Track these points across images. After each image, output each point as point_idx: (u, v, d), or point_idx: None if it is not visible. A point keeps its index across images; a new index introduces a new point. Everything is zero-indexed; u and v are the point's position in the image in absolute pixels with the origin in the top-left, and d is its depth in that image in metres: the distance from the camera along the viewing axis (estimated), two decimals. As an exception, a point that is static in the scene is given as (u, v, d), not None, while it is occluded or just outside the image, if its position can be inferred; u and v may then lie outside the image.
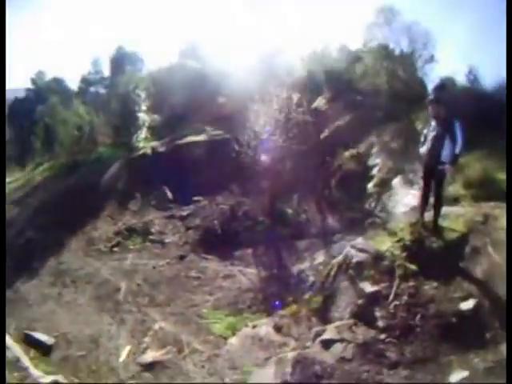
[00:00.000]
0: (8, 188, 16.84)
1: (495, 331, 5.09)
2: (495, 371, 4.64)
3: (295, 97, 12.88)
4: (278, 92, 12.17)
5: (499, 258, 5.90)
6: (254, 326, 7.40)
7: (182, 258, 10.48)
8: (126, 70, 24.00)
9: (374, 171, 10.66)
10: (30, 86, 29.90)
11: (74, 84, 29.84)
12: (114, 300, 9.07)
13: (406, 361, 5.16)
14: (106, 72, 28.69)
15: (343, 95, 14.04)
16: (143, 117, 15.40)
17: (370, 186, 10.41)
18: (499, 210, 7.13)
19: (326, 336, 5.92)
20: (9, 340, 7.52)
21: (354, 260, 6.77)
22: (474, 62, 15.32)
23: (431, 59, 15.60)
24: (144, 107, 15.37)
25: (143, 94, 15.28)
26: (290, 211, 11.09)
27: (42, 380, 6.42)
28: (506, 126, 7.31)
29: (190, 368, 6.60)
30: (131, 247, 11.40)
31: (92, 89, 28.15)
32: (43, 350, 7.53)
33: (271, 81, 12.97)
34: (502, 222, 6.63)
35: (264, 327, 7.25)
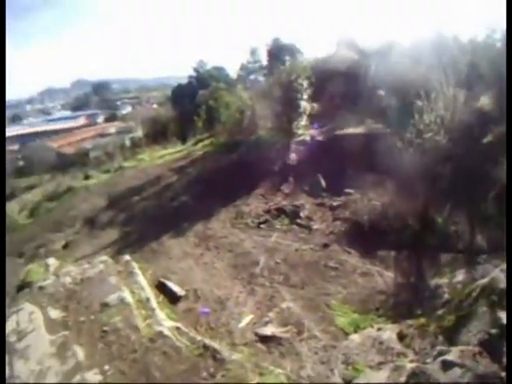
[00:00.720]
0: (169, 158, 19.36)
1: None
2: None
3: (461, 95, 11.71)
4: (443, 89, 11.28)
5: None
6: (379, 329, 7.39)
7: (325, 246, 10.72)
8: (286, 59, 24.76)
9: None
10: (192, 73, 33.43)
11: (233, 72, 32.39)
12: (249, 271, 9.80)
13: None
14: (264, 61, 30.18)
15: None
16: (304, 105, 15.84)
17: None
18: None
19: (448, 357, 5.64)
20: (144, 282, 8.70)
21: (501, 286, 6.20)
22: None
23: None
24: (305, 96, 15.82)
25: (305, 83, 15.73)
26: (440, 221, 10.30)
27: (164, 322, 7.25)
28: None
29: (304, 351, 6.89)
30: (278, 227, 12.02)
31: (251, 76, 30.12)
32: (172, 299, 8.53)
33: (435, 76, 11.93)
34: None
35: (388, 332, 7.18)
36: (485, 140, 11.13)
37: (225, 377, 6.07)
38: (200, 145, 20.72)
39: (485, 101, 12.65)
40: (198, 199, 14.29)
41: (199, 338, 7.01)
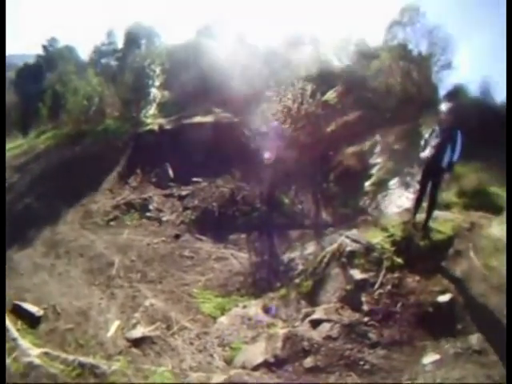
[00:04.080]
0: (9, 154, 16.72)
1: (466, 323, 5.61)
2: (463, 357, 5.18)
3: (309, 88, 12.91)
4: (293, 81, 12.22)
5: (479, 262, 6.42)
6: (244, 306, 7.62)
7: (177, 237, 10.55)
8: (142, 43, 23.76)
9: (374, 170, 10.77)
10: (41, 52, 29.49)
11: (85, 54, 29.54)
12: (106, 274, 9.12)
13: (384, 342, 5.61)
14: (119, 44, 28.34)
15: (355, 91, 14.03)
16: (155, 92, 15.36)
17: (368, 184, 10.51)
18: (486, 220, 7.65)
19: (314, 316, 6.26)
20: None
21: (348, 249, 7.09)
22: (490, 74, 15.22)
23: (448, 65, 15.55)
24: (157, 83, 15.31)
25: (158, 70, 15.21)
26: (286, 201, 11.22)
27: (30, 352, 6.30)
28: (506, 130, 7.53)
29: (179, 344, 6.71)
30: (128, 223, 11.44)
31: (103, 60, 27.80)
32: (31, 322, 7.46)
33: (287, 69, 12.96)
34: (487, 230, 7.17)
35: (253, 308, 7.48)
36: (329, 129, 12.38)
37: (110, 389, 5.64)
38: (43, 137, 18.04)
39: (331, 95, 14.11)
40: (43, 200, 12.52)
41: (71, 357, 6.16)
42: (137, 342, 6.77)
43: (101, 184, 13.26)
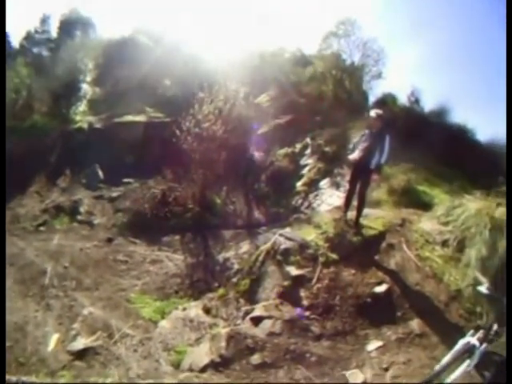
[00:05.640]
0: None
1: (405, 310, 6.09)
2: (405, 341, 5.68)
3: (242, 90, 13.14)
4: (226, 83, 12.36)
5: (411, 254, 6.98)
6: (184, 309, 7.61)
7: (109, 240, 10.30)
8: (76, 35, 22.27)
9: (305, 171, 11.25)
10: None
11: (15, 40, 27.00)
12: (39, 284, 8.65)
13: (328, 334, 5.92)
14: (54, 33, 26.22)
15: (288, 95, 14.41)
16: (86, 88, 14.60)
17: (299, 184, 10.96)
18: (416, 217, 8.30)
19: (255, 313, 6.41)
20: None
21: (282, 247, 7.33)
22: (418, 86, 16.27)
23: (379, 76, 16.58)
24: (89, 78, 14.55)
25: (91, 64, 14.44)
26: (218, 201, 11.33)
27: None
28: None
29: (123, 352, 6.55)
30: (58, 227, 10.96)
31: (35, 49, 25.50)
32: None
33: (220, 71, 13.00)
34: (417, 225, 7.79)
35: (194, 309, 7.50)
36: (260, 131, 12.66)
37: (58, 408, 5.30)
38: None
39: (264, 98, 14.34)
40: None
41: (14, 378, 5.71)
42: (80, 355, 6.50)
43: (28, 186, 12.65)
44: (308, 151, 11.89)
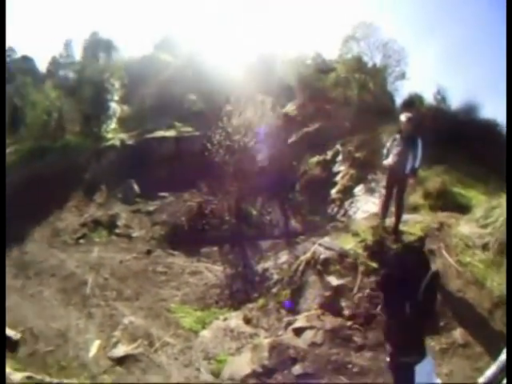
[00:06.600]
0: None
1: (448, 319, 5.87)
2: (448, 352, 5.46)
3: (269, 101, 13.27)
4: (252, 95, 12.48)
5: (451, 259, 6.72)
6: (225, 319, 7.68)
7: (148, 252, 10.52)
8: (99, 56, 23.12)
9: (338, 178, 11.11)
10: None
11: (42, 65, 28.21)
12: (80, 294, 8.95)
13: (370, 344, 5.78)
14: (77, 56, 27.32)
15: (314, 102, 14.35)
16: (115, 107, 15.11)
17: (334, 191, 10.82)
18: (454, 220, 8.01)
19: (297, 324, 6.38)
20: None
21: (322, 256, 7.26)
22: (443, 84, 15.98)
23: (402, 76, 16.29)
24: (116, 97, 15.04)
25: (117, 84, 14.96)
26: (254, 212, 11.38)
27: (12, 377, 6.14)
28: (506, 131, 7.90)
29: (164, 360, 6.69)
30: (97, 240, 11.27)
31: (61, 72, 26.60)
32: (10, 346, 7.24)
33: (247, 83, 13.15)
34: (456, 229, 7.50)
35: (234, 319, 7.55)
36: (290, 140, 12.67)
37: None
38: None
39: (290, 107, 14.37)
40: (7, 221, 11.88)
41: (56, 380, 6.09)
42: (120, 361, 6.71)
43: (66, 201, 12.99)
44: (339, 158, 11.77)
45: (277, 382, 5.59)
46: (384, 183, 8.11)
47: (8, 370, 6.27)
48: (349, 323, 6.10)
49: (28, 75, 21.83)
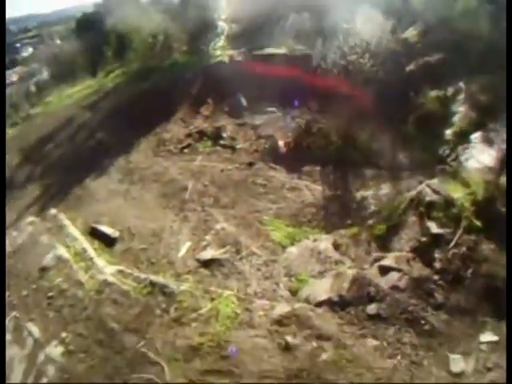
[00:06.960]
0: (79, 95, 17.07)
1: None
2: None
3: (389, 23, 12.11)
4: (372, 15, 11.50)
5: None
6: (315, 240, 7.88)
7: (250, 164, 10.80)
8: None
9: (455, 118, 10.13)
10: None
11: None
12: (179, 198, 9.70)
13: (449, 306, 5.67)
14: None
15: (438, 31, 12.42)
16: (222, 25, 15.08)
17: (448, 132, 9.84)
18: None
19: (384, 262, 6.43)
20: (76, 232, 8.37)
21: (427, 199, 6.99)
22: None
23: None
24: (223, 16, 14.84)
25: (223, 3, 14.69)
26: (363, 138, 10.86)
27: (105, 270, 7.20)
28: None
29: (246, 269, 7.19)
30: (201, 150, 11.82)
31: None
32: (107, 242, 8.31)
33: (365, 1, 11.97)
34: None
35: (324, 242, 7.74)
36: (408, 68, 11.65)
37: (178, 309, 6.25)
38: (111, 76, 18.31)
39: (411, 32, 13.04)
40: (114, 134, 13.06)
41: (144, 275, 6.97)
42: (206, 264, 7.43)
43: (172, 114, 13.51)
44: (461, 97, 10.56)
45: (348, 315, 5.77)
46: (505, 136, 7.33)
47: (103, 263, 7.34)
48: (436, 277, 5.97)
49: (131, 5, 22.17)
